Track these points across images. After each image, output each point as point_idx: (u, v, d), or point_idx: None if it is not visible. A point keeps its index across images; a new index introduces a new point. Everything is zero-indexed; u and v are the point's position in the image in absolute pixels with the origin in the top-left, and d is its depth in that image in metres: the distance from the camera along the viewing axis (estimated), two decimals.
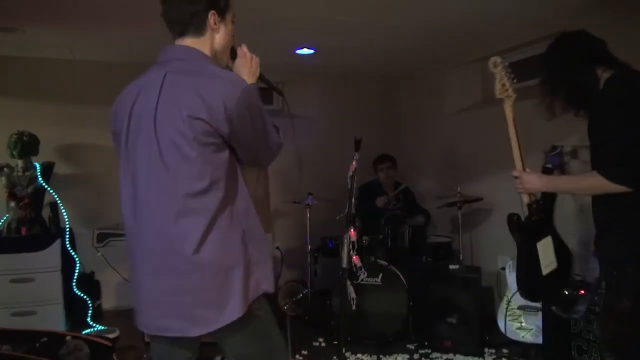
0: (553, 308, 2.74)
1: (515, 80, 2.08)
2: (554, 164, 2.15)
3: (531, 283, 2.15)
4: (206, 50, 1.60)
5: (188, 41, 1.59)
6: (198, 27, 1.58)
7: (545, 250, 2.08)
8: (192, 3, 1.56)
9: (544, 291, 2.20)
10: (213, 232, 1.48)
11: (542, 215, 2.10)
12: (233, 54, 1.71)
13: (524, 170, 2.08)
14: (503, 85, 2.06)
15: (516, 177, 2.08)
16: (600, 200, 1.95)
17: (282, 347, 1.71)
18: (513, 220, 2.13)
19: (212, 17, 1.58)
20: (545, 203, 2.12)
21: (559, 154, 2.13)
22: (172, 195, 1.47)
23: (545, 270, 2.08)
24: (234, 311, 1.50)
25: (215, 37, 1.61)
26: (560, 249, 2.13)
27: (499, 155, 4.23)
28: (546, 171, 2.19)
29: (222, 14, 1.61)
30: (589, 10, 3.21)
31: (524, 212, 2.11)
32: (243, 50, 1.71)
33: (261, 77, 1.75)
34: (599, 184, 1.82)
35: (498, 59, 2.09)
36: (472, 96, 4.68)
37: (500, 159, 4.12)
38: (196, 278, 1.48)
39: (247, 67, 1.69)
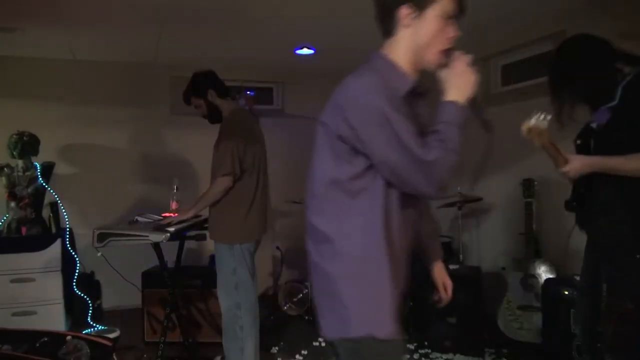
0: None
1: (548, 117, 1.99)
2: (600, 123, 2.12)
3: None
4: (400, 53, 1.43)
5: (385, 44, 1.47)
6: (388, 26, 1.44)
7: None
8: None
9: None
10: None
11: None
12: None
13: (566, 160, 2.06)
14: (541, 135, 1.99)
15: (564, 172, 2.09)
16: (606, 182, 2.00)
17: None
18: (572, 206, 2.25)
19: (401, 12, 1.39)
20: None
21: (608, 109, 2.08)
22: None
23: None
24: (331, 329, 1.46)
25: (407, 34, 1.42)
26: None
27: (499, 155, 4.25)
28: (591, 130, 2.17)
29: (419, 8, 1.39)
30: (588, 10, 3.21)
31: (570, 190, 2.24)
32: (459, 59, 1.44)
33: (472, 101, 1.43)
34: None
35: (529, 124, 1.98)
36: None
37: (500, 159, 4.16)
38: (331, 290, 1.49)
39: (455, 79, 1.43)
